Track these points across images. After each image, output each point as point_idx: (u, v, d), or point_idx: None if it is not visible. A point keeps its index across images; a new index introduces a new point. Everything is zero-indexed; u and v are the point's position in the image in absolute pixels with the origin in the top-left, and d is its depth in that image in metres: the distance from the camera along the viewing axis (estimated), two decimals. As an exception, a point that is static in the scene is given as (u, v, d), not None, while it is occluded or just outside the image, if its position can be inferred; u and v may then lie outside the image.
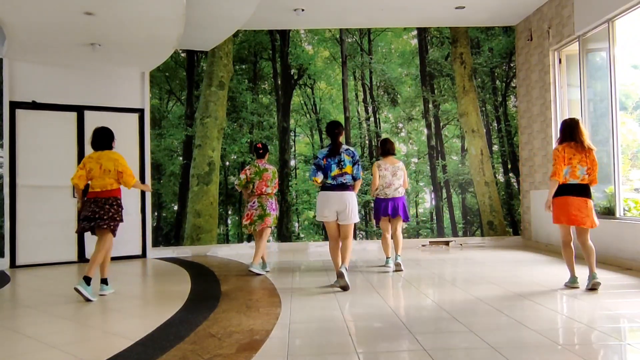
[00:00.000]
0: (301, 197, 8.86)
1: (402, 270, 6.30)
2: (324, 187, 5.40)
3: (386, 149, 6.56)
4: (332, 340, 3.66)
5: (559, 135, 5.13)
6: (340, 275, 5.22)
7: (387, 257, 6.62)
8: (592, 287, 4.82)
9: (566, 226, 4.95)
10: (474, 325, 3.72)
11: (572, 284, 5.00)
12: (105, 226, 5.15)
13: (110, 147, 5.35)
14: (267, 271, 6.46)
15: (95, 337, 3.89)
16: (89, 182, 5.22)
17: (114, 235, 5.32)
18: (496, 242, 8.82)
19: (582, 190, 4.88)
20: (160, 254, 8.39)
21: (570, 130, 4.96)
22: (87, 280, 5.02)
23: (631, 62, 6.87)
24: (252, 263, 6.27)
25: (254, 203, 6.35)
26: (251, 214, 6.32)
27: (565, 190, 4.91)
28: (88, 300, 4.98)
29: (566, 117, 7.66)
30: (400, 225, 6.55)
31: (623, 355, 3.18)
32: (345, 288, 5.18)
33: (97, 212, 5.12)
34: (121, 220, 5.33)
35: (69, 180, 5.58)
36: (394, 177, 6.41)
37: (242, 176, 6.38)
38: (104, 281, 5.39)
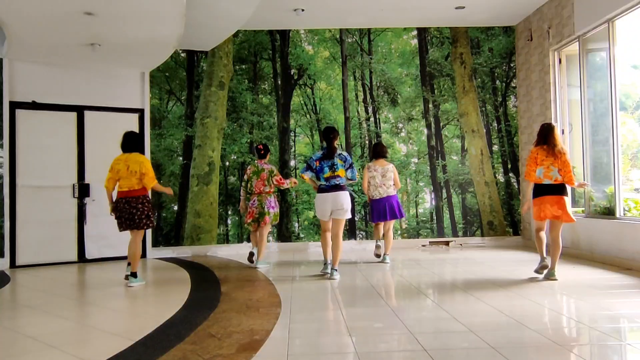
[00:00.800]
0: (301, 197, 8.86)
1: (388, 263, 6.91)
2: (320, 189, 5.92)
3: (377, 152, 7.07)
4: (332, 340, 3.66)
5: (536, 138, 5.57)
6: (327, 264, 6.00)
7: (378, 240, 7.17)
8: (543, 273, 5.48)
9: (541, 222, 5.51)
10: (474, 325, 3.72)
11: (541, 267, 5.51)
12: (144, 226, 5.77)
13: (137, 150, 5.92)
14: (268, 262, 6.91)
15: (95, 337, 3.89)
16: (117, 182, 5.79)
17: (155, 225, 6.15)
18: (496, 242, 8.82)
19: (557, 189, 5.37)
20: (160, 254, 8.40)
21: (545, 135, 5.44)
22: (134, 274, 5.78)
23: (631, 62, 6.87)
24: (258, 260, 6.81)
25: (254, 202, 6.78)
26: (252, 211, 6.75)
27: (541, 190, 5.42)
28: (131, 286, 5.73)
29: (566, 117, 7.72)
30: (392, 224, 7.08)
31: (623, 355, 3.18)
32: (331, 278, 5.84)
33: (134, 214, 5.71)
34: (154, 214, 6.02)
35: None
36: (383, 178, 6.90)
37: (245, 177, 6.89)
38: (134, 274, 5.85)
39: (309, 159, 5.99)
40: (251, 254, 6.93)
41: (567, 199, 5.40)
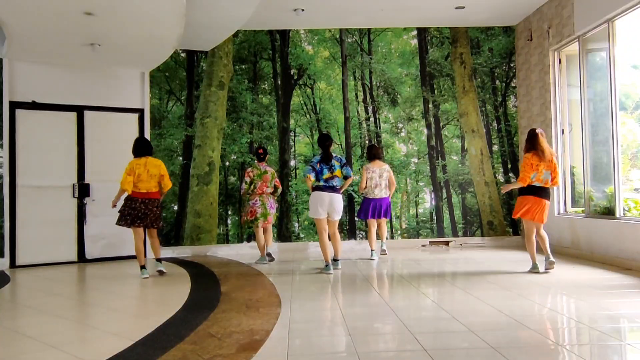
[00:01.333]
0: (301, 197, 8.86)
1: (386, 254, 7.52)
2: (317, 188, 6.28)
3: (372, 154, 7.42)
4: (332, 340, 3.66)
5: (525, 144, 5.93)
6: (329, 265, 6.27)
7: (372, 250, 7.47)
8: (548, 268, 5.80)
9: (532, 222, 5.82)
10: (474, 325, 3.72)
11: (534, 269, 5.89)
12: (156, 226, 6.37)
13: (151, 154, 6.40)
14: (265, 263, 7.22)
15: (95, 337, 3.89)
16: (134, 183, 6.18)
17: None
18: (496, 242, 8.82)
19: (544, 192, 5.80)
20: (160, 253, 8.36)
21: (533, 141, 5.82)
22: (159, 260, 6.45)
23: (631, 62, 6.87)
24: (267, 247, 7.31)
25: (256, 201, 7.05)
26: (254, 210, 7.04)
27: (530, 190, 5.79)
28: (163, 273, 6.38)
29: (566, 117, 7.73)
30: (385, 221, 7.61)
31: (623, 355, 3.18)
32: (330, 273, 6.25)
33: (148, 215, 6.23)
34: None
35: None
36: (380, 179, 7.31)
37: (247, 179, 7.07)
38: (159, 260, 6.51)
39: (310, 161, 6.38)
40: (269, 255, 7.34)
41: (548, 203, 5.90)
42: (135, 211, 6.17)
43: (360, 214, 7.51)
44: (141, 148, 6.35)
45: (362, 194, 7.45)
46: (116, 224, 6.30)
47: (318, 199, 6.21)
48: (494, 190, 8.93)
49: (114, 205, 6.36)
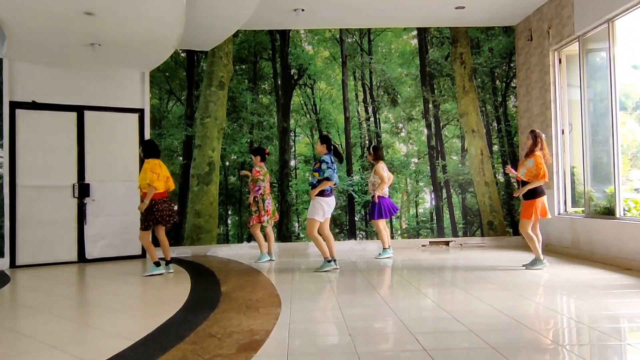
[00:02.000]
0: (301, 197, 8.86)
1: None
2: (325, 193, 6.25)
3: (380, 154, 7.55)
4: (332, 340, 3.66)
5: (534, 144, 6.15)
6: (334, 260, 6.38)
7: (389, 247, 7.50)
8: (530, 267, 6.11)
9: (531, 221, 6.06)
10: (474, 325, 3.72)
11: (537, 264, 6.13)
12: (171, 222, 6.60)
13: (159, 156, 6.60)
14: (266, 260, 7.43)
15: (95, 337, 3.89)
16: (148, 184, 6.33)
17: None
18: (496, 242, 8.82)
19: (542, 189, 6.13)
20: (161, 254, 8.36)
21: (542, 144, 6.14)
22: (168, 263, 6.62)
23: (631, 62, 6.87)
24: (270, 253, 7.48)
25: (269, 200, 7.34)
26: (268, 210, 7.32)
27: (535, 193, 6.06)
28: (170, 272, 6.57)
29: (566, 117, 7.74)
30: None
31: (623, 355, 3.18)
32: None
33: (174, 212, 6.58)
34: None
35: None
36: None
37: (262, 177, 7.27)
38: (168, 263, 6.68)
39: (326, 162, 6.21)
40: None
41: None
42: (165, 211, 6.41)
43: (380, 215, 7.31)
44: (155, 149, 6.55)
45: (384, 193, 7.38)
46: (147, 229, 6.35)
47: (330, 204, 6.30)
48: (494, 190, 8.93)
49: (143, 210, 6.30)
